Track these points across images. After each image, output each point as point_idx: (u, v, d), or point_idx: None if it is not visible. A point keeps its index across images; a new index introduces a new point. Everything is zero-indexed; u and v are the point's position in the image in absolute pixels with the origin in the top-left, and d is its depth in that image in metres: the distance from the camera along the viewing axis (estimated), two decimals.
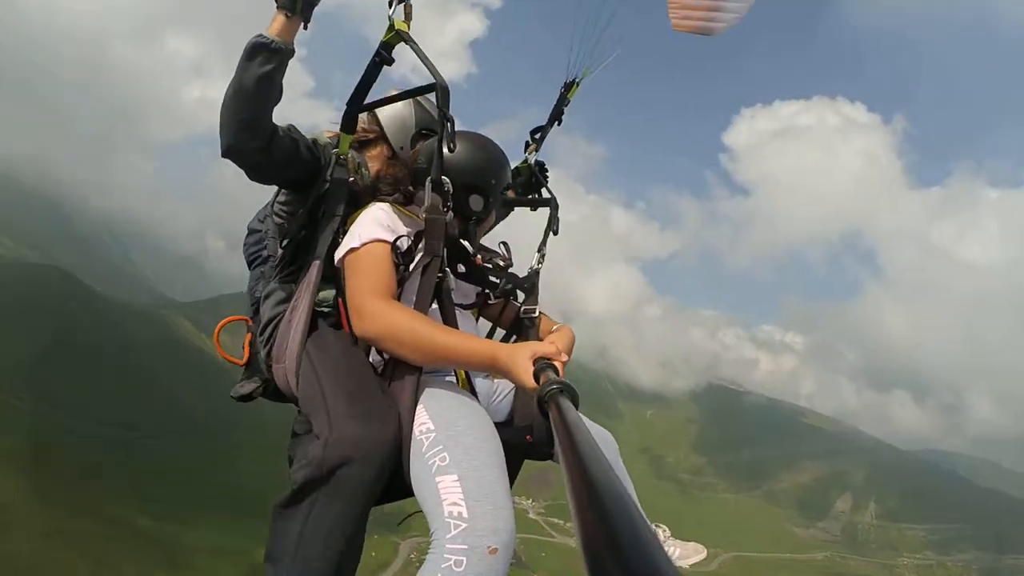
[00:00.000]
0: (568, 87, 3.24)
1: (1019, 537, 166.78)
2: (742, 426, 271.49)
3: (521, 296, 2.60)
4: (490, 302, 2.54)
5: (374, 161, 2.60)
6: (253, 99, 2.07)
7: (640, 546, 0.51)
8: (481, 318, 2.67)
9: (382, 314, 1.94)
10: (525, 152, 3.21)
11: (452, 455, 1.68)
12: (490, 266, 2.43)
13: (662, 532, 2.85)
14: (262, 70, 2.04)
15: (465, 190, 2.30)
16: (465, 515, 1.53)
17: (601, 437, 2.40)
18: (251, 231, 2.77)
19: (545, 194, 3.05)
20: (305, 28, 2.19)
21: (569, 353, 2.07)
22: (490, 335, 2.73)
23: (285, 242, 2.41)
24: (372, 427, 1.76)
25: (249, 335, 2.45)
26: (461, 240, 2.30)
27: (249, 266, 2.72)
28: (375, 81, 2.24)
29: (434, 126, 2.61)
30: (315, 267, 2.21)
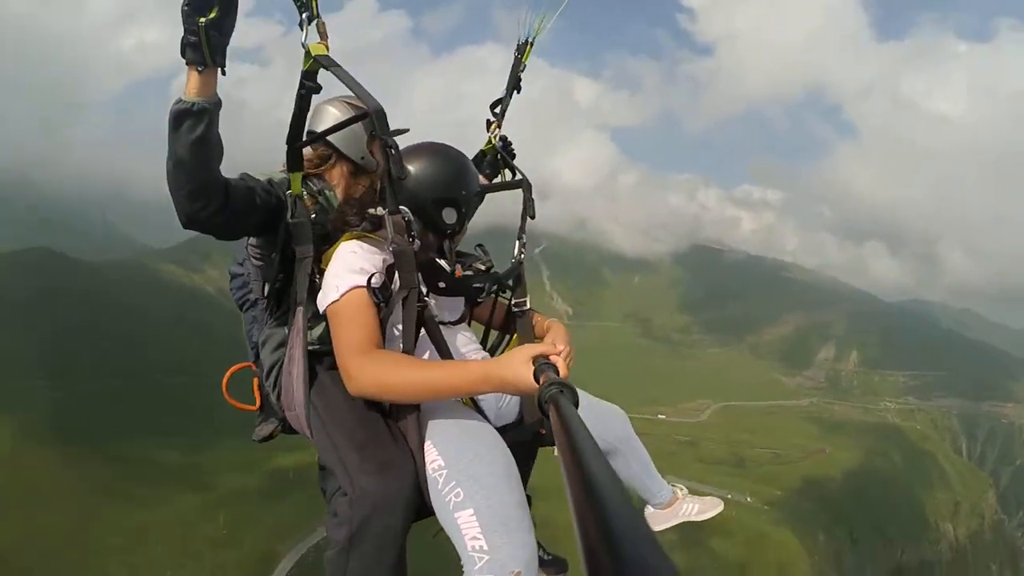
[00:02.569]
0: (522, 49, 2.89)
1: (997, 385, 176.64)
2: (725, 283, 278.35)
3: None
4: (479, 300, 2.46)
5: (338, 182, 2.51)
6: (194, 167, 1.95)
7: (639, 547, 0.52)
8: (474, 321, 2.62)
9: (367, 371, 1.92)
10: (488, 131, 2.93)
11: (465, 489, 1.81)
12: (471, 273, 2.36)
13: (680, 491, 2.80)
14: (193, 135, 1.90)
15: (436, 205, 2.18)
16: (486, 547, 1.69)
17: (612, 413, 2.52)
18: (233, 275, 2.73)
19: (516, 175, 2.83)
20: (224, 74, 1.95)
21: (567, 344, 2.03)
22: (484, 337, 2.66)
23: (267, 287, 2.38)
24: (388, 478, 1.87)
25: (256, 379, 2.48)
26: (436, 260, 2.25)
27: (240, 309, 2.70)
28: (308, 111, 2.10)
29: None
30: (299, 313, 2.19)
